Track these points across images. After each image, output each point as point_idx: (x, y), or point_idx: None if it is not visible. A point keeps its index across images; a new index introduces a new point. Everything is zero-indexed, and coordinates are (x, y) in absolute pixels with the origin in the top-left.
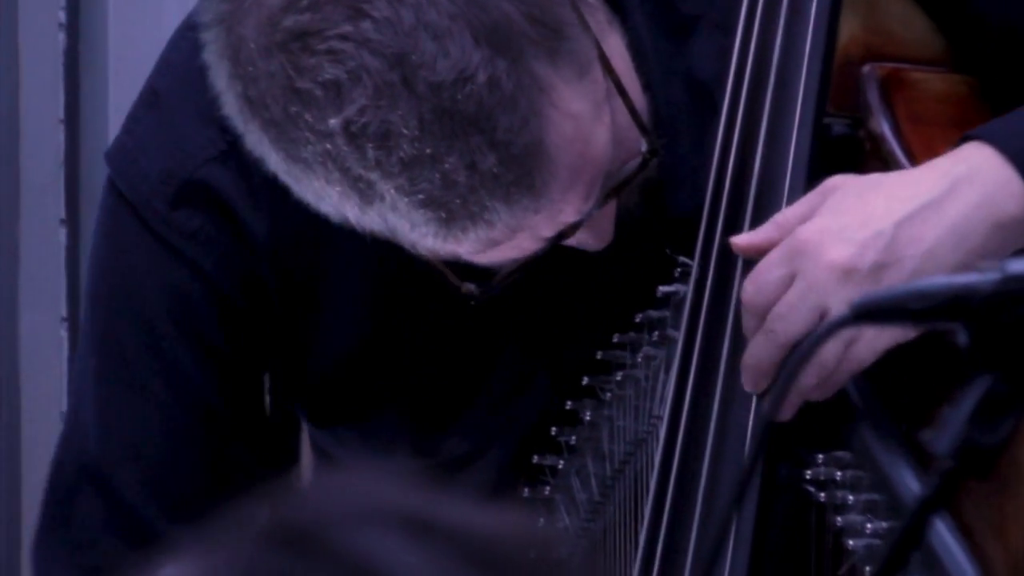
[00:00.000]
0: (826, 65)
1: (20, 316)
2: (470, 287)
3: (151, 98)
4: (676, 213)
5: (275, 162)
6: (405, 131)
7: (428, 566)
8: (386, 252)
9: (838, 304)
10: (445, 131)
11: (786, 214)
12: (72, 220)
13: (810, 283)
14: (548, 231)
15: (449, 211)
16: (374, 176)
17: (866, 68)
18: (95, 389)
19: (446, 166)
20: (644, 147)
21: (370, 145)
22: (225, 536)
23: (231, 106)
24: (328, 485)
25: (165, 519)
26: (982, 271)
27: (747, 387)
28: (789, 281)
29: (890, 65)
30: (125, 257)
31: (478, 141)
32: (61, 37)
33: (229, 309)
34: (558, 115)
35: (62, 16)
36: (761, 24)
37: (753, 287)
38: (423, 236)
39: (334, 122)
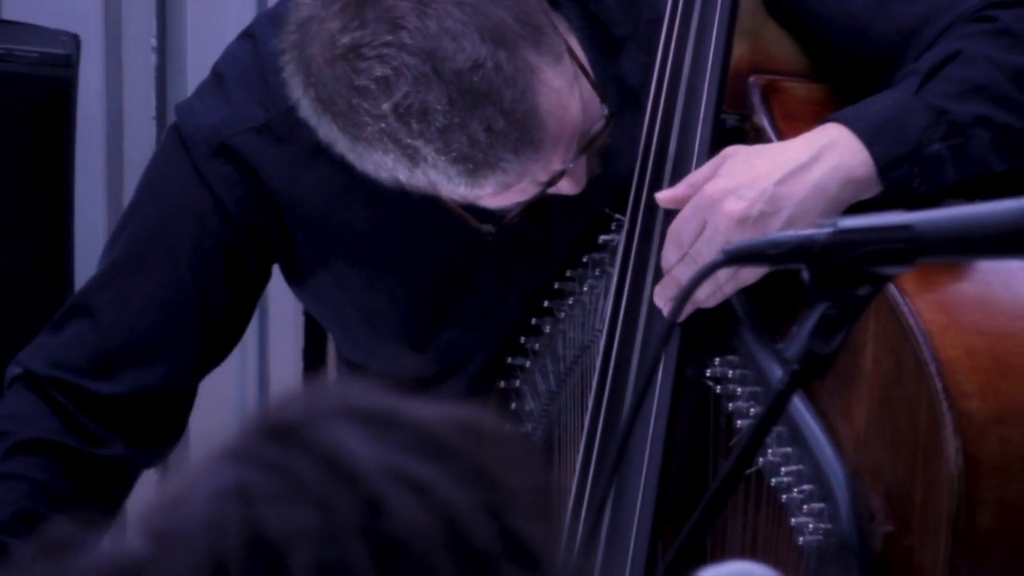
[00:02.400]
0: (723, 75)
1: None
2: (488, 227)
3: (217, 79)
4: (613, 182)
5: (343, 145)
6: (439, 107)
7: (384, 454)
8: (386, 210)
9: (737, 241)
10: (467, 104)
11: (695, 175)
12: None
13: (716, 228)
14: (543, 176)
15: (475, 163)
16: (419, 143)
17: (751, 78)
18: (114, 254)
19: (470, 130)
20: (604, 113)
21: (414, 120)
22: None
23: (306, 108)
24: (311, 389)
25: (122, 360)
26: (821, 226)
27: (665, 301)
28: (702, 226)
29: (768, 76)
30: (169, 175)
31: (491, 110)
32: (153, 57)
33: (235, 238)
34: (545, 89)
35: (154, 42)
36: (676, 46)
37: (676, 232)
38: (457, 186)
39: (386, 106)
